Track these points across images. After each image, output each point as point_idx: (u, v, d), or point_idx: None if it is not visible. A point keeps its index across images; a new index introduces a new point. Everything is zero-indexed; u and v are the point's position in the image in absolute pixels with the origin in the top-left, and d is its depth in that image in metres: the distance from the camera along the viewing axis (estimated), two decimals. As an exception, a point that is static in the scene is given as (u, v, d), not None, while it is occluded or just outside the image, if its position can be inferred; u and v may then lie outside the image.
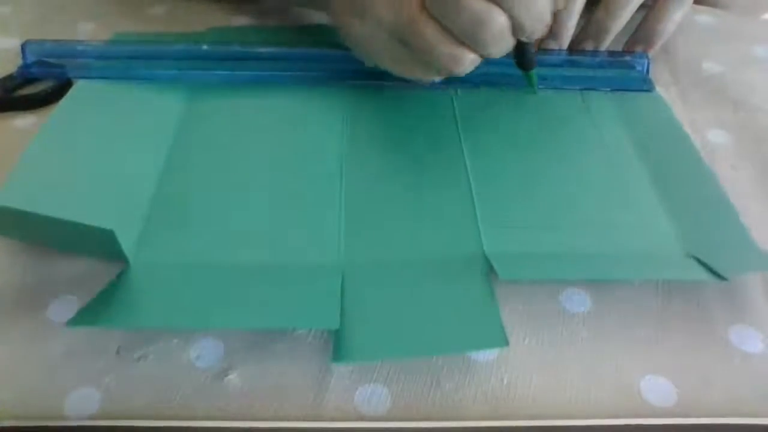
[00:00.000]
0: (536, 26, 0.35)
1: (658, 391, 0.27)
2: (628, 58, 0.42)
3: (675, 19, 0.42)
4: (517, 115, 0.40)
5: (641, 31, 0.43)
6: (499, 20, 0.33)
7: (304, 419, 0.26)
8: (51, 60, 0.42)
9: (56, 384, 0.27)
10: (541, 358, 0.28)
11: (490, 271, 0.30)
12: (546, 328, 0.29)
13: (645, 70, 0.42)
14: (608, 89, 0.41)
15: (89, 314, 0.28)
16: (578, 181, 0.36)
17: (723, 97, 0.41)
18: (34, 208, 0.29)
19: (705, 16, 0.49)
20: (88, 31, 0.47)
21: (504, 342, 0.27)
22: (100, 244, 0.30)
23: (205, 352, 0.28)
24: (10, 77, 0.41)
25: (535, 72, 0.39)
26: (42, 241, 0.32)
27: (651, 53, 0.43)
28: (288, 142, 0.38)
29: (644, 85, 0.41)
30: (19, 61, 0.42)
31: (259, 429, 0.25)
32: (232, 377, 0.27)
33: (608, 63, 0.42)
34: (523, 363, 0.28)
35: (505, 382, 0.27)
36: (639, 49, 0.43)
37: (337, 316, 0.27)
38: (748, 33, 0.48)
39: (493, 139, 0.38)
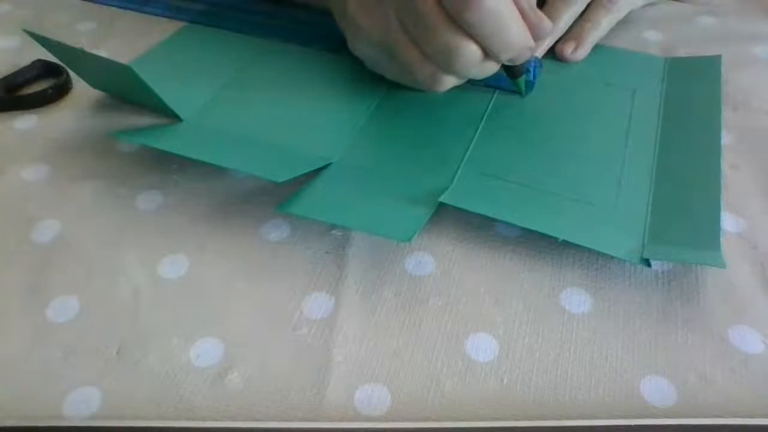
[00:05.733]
0: (512, 53, 0.35)
1: (658, 391, 0.27)
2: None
3: (602, 23, 0.44)
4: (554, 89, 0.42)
5: (573, 30, 0.44)
6: (470, 49, 0.34)
7: (304, 419, 0.26)
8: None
9: (56, 384, 0.27)
10: (541, 358, 0.28)
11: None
12: (546, 328, 0.29)
13: (533, 75, 0.41)
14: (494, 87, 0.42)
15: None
16: (582, 144, 0.38)
17: (723, 97, 0.41)
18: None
19: (705, 17, 0.49)
20: (87, 31, 0.47)
21: (408, 238, 0.30)
22: None
23: (205, 352, 0.28)
24: (10, 77, 0.41)
25: (522, 79, 0.39)
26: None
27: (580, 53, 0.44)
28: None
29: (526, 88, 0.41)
30: (19, 61, 0.42)
31: (259, 429, 0.25)
32: (233, 377, 0.27)
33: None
34: (523, 363, 0.28)
35: (505, 382, 0.27)
36: (571, 45, 0.44)
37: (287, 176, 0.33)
38: (747, 33, 0.48)
39: (520, 107, 0.40)
